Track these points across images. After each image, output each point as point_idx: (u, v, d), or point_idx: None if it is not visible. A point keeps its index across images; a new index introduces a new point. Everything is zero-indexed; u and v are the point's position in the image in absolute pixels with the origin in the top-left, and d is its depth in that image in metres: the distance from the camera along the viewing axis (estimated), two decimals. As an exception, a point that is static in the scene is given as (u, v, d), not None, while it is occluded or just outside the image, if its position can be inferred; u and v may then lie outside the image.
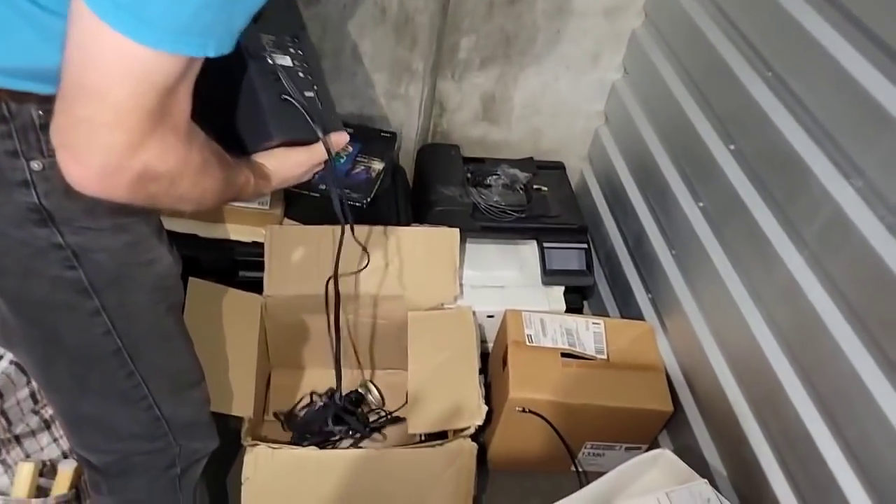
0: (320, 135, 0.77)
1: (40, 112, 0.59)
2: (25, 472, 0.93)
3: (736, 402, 1.14)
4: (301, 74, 0.78)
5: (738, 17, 1.19)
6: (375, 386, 1.42)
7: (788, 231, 1.05)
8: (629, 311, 1.50)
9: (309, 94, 0.79)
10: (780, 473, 1.04)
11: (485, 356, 1.42)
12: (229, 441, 1.14)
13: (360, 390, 1.41)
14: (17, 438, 0.95)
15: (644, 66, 1.49)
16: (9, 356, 0.90)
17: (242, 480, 1.08)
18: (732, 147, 1.19)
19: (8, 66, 0.58)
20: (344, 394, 1.36)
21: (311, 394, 1.40)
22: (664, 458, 1.00)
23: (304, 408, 1.39)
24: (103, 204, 0.63)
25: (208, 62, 0.55)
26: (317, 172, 0.83)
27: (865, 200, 0.91)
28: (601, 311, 1.61)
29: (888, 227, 0.87)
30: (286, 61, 0.77)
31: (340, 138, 0.81)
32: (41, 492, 0.96)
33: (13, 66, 0.58)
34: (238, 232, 1.35)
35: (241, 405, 1.11)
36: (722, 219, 1.21)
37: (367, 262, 1.14)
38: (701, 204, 1.27)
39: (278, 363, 1.43)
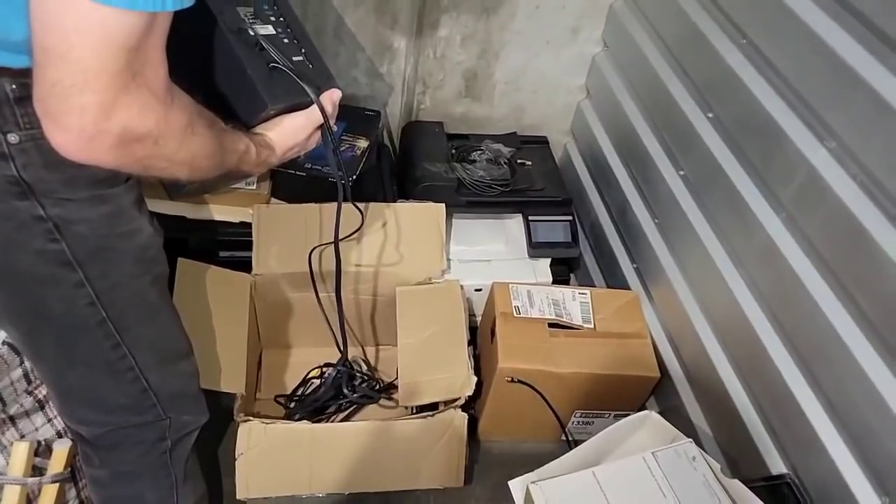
0: (313, 96, 0.78)
1: (14, 86, 0.60)
2: (21, 452, 0.94)
3: (720, 364, 1.17)
4: (286, 41, 0.79)
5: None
6: (366, 361, 1.44)
7: (766, 194, 1.07)
8: (615, 281, 1.52)
9: (297, 58, 0.79)
10: (763, 431, 1.07)
11: (473, 329, 1.44)
12: (221, 418, 1.15)
13: (350, 362, 1.42)
14: (12, 419, 0.96)
15: (623, 40, 1.50)
16: (1, 336, 0.91)
17: (236, 456, 1.10)
18: (710, 115, 1.20)
19: None
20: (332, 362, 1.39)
21: (321, 367, 1.41)
22: (650, 420, 1.02)
23: (300, 386, 1.40)
24: (83, 175, 0.64)
25: (187, 36, 0.56)
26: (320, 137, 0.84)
27: (838, 161, 0.93)
28: (588, 283, 1.63)
29: (860, 185, 0.89)
30: (268, 30, 0.78)
31: (333, 95, 0.82)
32: (36, 471, 0.97)
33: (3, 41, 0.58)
34: (225, 213, 1.35)
35: (233, 382, 1.12)
36: (702, 186, 1.23)
37: (360, 226, 1.14)
38: (682, 172, 1.29)
39: (269, 344, 1.44)
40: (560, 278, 1.52)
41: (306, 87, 0.77)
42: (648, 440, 1.04)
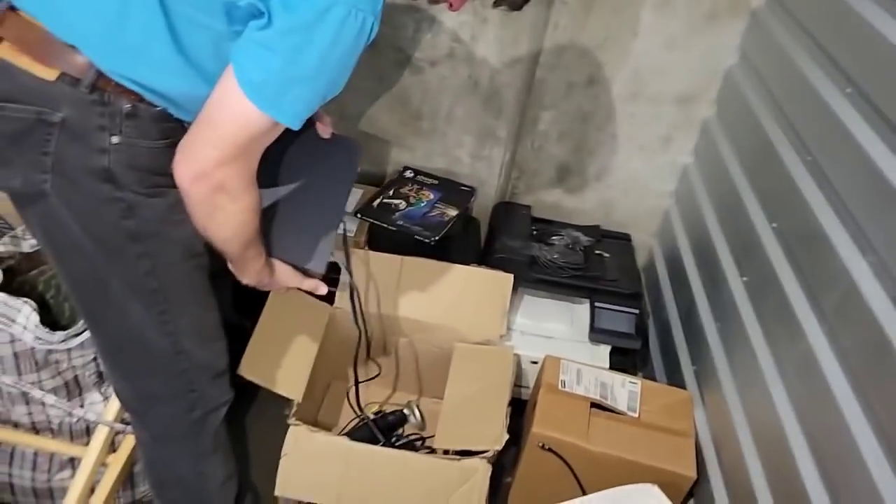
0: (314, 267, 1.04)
1: (129, 105, 0.83)
2: (115, 402, 1.14)
3: (755, 473, 1.15)
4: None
5: (791, 111, 1.27)
6: (419, 409, 1.54)
7: (812, 303, 1.09)
8: (675, 380, 1.53)
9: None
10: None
11: (524, 401, 1.50)
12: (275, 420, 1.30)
13: (404, 411, 1.53)
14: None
15: (711, 154, 1.58)
16: None
17: (282, 455, 1.23)
18: (774, 225, 1.25)
19: (142, 82, 0.82)
20: (389, 411, 1.50)
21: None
22: (653, 494, 1.03)
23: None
24: (151, 177, 0.87)
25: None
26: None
27: (876, 274, 0.95)
28: (650, 379, 1.64)
29: (893, 301, 0.90)
30: None
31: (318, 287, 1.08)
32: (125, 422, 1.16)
33: (145, 83, 0.82)
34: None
35: (293, 388, 1.27)
36: (760, 292, 1.26)
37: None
38: (745, 278, 1.32)
39: (336, 376, 1.59)
40: (618, 368, 1.55)
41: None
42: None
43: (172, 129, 0.87)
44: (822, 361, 1.02)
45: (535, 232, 1.66)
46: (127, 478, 1.24)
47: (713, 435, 1.34)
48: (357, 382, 1.51)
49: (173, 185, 0.83)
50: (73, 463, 1.20)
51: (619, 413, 1.35)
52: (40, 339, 1.04)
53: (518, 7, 1.15)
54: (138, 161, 0.85)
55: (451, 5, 1.04)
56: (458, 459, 1.23)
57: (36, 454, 1.19)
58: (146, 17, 0.78)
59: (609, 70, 1.56)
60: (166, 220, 0.91)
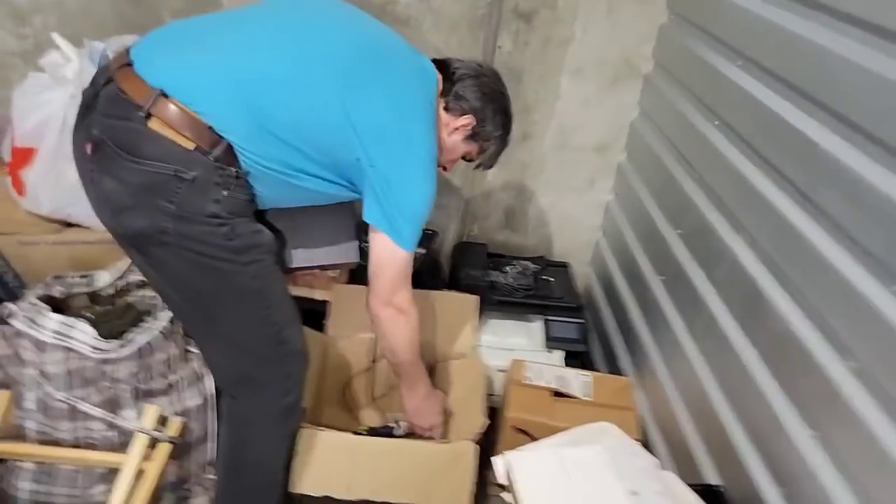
0: None
1: (236, 171, 1.09)
2: (152, 411, 1.31)
3: (690, 434, 1.43)
4: None
5: (681, 145, 1.65)
6: (404, 423, 1.76)
7: (713, 285, 1.41)
8: (616, 373, 1.81)
9: None
10: (708, 460, 1.32)
11: (497, 409, 1.75)
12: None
13: (390, 424, 1.74)
14: (148, 392, 1.36)
15: (628, 191, 1.95)
16: (163, 320, 1.34)
17: (295, 454, 1.42)
18: (679, 231, 1.59)
19: (259, 162, 1.12)
20: (377, 426, 1.72)
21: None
22: (613, 429, 1.29)
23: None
24: (242, 217, 1.13)
25: None
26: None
27: (751, 249, 1.28)
28: (597, 381, 1.92)
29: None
30: None
31: None
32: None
33: (261, 163, 1.12)
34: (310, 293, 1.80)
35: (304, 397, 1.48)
36: (675, 286, 1.58)
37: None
38: (662, 277, 1.65)
39: (332, 402, 1.80)
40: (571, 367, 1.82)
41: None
42: (609, 441, 1.29)
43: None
44: (727, 331, 1.32)
45: (491, 264, 1.97)
46: (153, 494, 1.39)
47: (652, 408, 1.63)
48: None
49: (251, 215, 1.14)
50: (107, 477, 1.36)
51: (575, 398, 1.62)
52: (97, 349, 1.24)
53: (489, 167, 1.49)
54: (235, 207, 1.10)
55: (444, 168, 1.40)
56: (447, 442, 1.46)
57: (76, 470, 1.34)
58: (281, 132, 1.11)
59: (540, 127, 1.93)
60: (254, 230, 1.15)
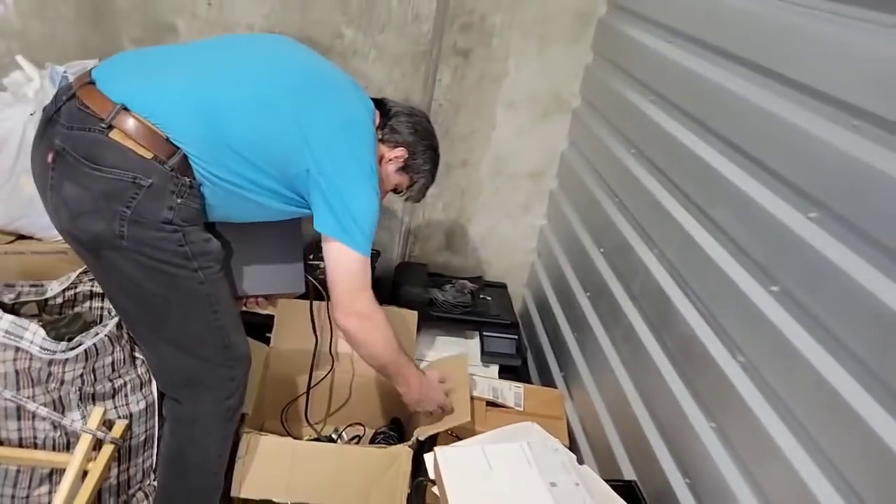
0: None
1: (189, 180, 1.17)
2: (97, 413, 1.34)
3: (611, 437, 1.54)
4: None
5: (604, 173, 1.80)
6: (344, 434, 1.82)
7: (630, 298, 1.54)
8: (548, 385, 1.92)
9: None
10: (625, 456, 1.43)
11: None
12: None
13: (332, 436, 1.80)
14: (92, 396, 1.39)
15: (559, 215, 2.09)
16: (110, 325, 1.37)
17: (237, 459, 1.46)
18: (602, 250, 1.73)
19: (213, 173, 1.19)
20: (315, 436, 1.77)
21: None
22: (535, 428, 1.39)
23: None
24: (192, 224, 1.20)
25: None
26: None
27: (660, 263, 1.42)
28: (531, 394, 2.02)
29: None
30: None
31: None
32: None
33: (213, 174, 1.19)
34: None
35: (246, 404, 1.53)
36: (599, 301, 1.71)
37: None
38: (588, 293, 1.78)
39: (270, 416, 1.84)
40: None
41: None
42: (531, 439, 1.38)
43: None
44: (642, 338, 1.45)
45: (431, 282, 2.06)
46: (96, 495, 1.41)
47: (579, 417, 1.74)
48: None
49: (201, 225, 1.21)
50: (51, 478, 1.37)
51: (508, 408, 1.72)
52: (46, 349, 1.27)
53: (418, 200, 1.60)
54: (187, 215, 1.17)
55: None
56: (385, 447, 1.53)
57: (18, 470, 1.35)
58: (236, 143, 1.19)
59: (477, 154, 2.06)
60: (204, 239, 1.22)
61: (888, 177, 0.87)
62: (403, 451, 1.52)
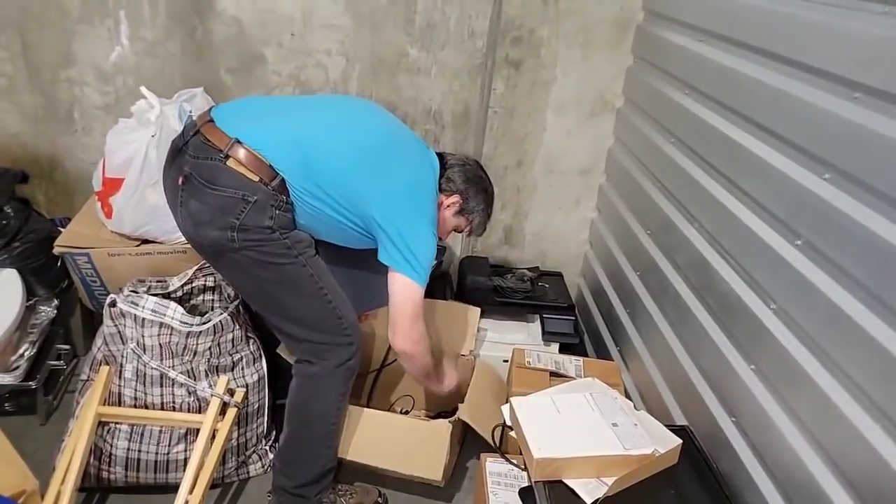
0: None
1: (286, 198, 1.43)
2: (223, 380, 1.61)
3: (664, 392, 1.71)
4: None
5: (651, 166, 1.98)
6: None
7: (682, 277, 1.72)
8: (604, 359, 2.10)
9: None
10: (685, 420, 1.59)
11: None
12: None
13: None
14: (216, 368, 1.65)
15: (608, 207, 2.27)
16: (231, 306, 1.63)
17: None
18: (649, 232, 1.91)
19: (305, 196, 1.45)
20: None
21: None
22: (597, 382, 1.57)
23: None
24: (289, 228, 1.46)
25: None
26: None
27: (709, 244, 1.60)
28: (590, 372, 2.20)
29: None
30: None
31: None
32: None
33: (306, 197, 1.45)
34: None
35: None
36: (648, 280, 1.89)
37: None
38: (638, 272, 1.96)
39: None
40: (566, 360, 2.11)
41: None
42: (593, 390, 1.56)
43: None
44: (687, 302, 1.63)
45: (493, 273, 2.28)
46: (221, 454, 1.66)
47: (635, 384, 1.91)
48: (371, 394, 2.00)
49: (291, 227, 1.46)
50: (186, 437, 1.63)
51: (569, 377, 1.90)
52: (185, 322, 1.54)
53: (480, 234, 1.82)
54: (283, 222, 1.44)
55: (440, 238, 1.68)
56: (427, 419, 1.73)
57: (160, 430, 1.62)
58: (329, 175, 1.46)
59: (531, 155, 2.28)
60: (297, 233, 1.48)
61: (886, 138, 1.05)
62: (444, 426, 1.70)
